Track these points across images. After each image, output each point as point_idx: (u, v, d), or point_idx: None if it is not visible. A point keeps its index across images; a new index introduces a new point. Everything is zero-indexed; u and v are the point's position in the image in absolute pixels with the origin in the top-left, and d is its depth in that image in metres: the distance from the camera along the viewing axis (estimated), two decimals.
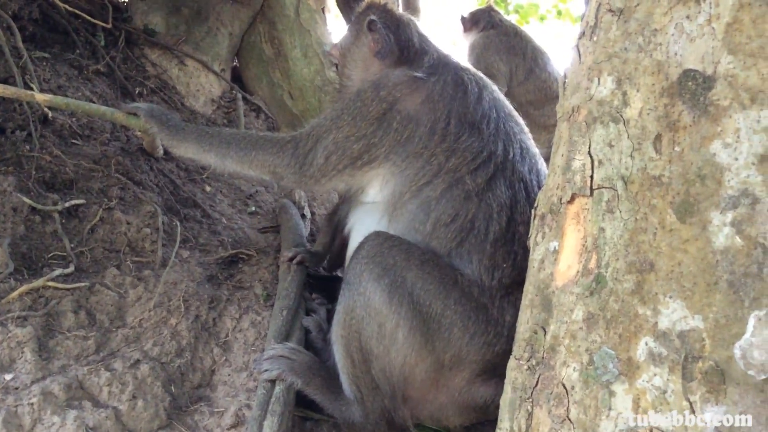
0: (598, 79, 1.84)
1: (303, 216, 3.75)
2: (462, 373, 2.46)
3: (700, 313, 1.59)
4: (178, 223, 3.28)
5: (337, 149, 2.70)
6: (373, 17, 2.92)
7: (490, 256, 2.48)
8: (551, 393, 1.81)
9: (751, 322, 1.56)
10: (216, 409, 2.63)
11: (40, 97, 2.93)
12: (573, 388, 1.76)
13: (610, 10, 1.83)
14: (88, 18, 3.88)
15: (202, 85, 4.37)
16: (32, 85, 3.22)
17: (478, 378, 2.47)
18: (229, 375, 2.77)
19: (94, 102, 3.57)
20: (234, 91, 4.51)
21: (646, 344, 1.64)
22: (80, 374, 2.53)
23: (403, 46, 2.91)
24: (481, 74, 2.93)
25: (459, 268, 2.48)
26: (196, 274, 3.07)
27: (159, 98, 4.04)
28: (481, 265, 2.47)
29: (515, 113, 2.89)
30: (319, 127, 2.78)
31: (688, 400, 1.58)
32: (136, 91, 3.94)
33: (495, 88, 2.91)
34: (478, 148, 2.60)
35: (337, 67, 3.19)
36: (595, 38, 1.89)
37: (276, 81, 4.56)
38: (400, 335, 2.37)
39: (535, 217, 2.07)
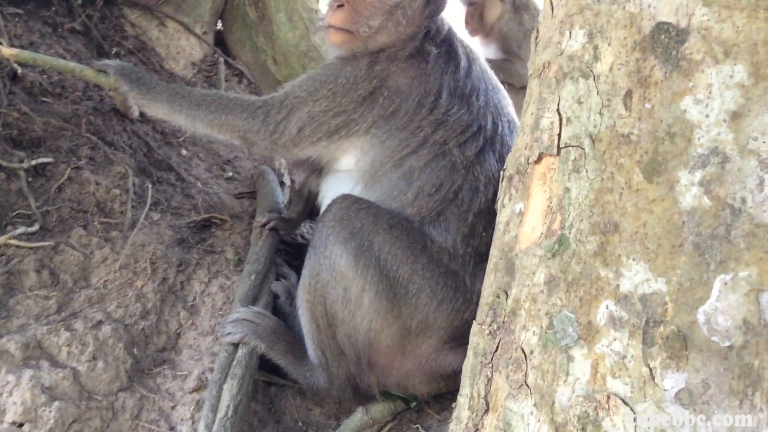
0: (570, 32, 1.76)
1: (282, 183, 3.67)
2: (429, 340, 2.40)
3: (664, 276, 1.52)
4: (150, 186, 3.19)
5: (312, 122, 2.60)
6: None
7: (471, 225, 2.42)
8: (510, 358, 1.75)
9: (717, 286, 1.49)
10: (179, 372, 2.58)
11: (7, 51, 2.84)
12: (532, 352, 1.69)
13: None
14: None
15: (182, 48, 4.25)
16: (1, 40, 3.12)
17: (445, 345, 2.41)
18: (194, 339, 2.71)
19: (67, 60, 3.47)
20: (216, 55, 4.41)
21: (607, 308, 1.58)
22: (39, 333, 2.47)
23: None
24: (470, 45, 2.83)
25: (430, 235, 2.41)
26: (165, 237, 3.00)
27: (137, 59, 3.94)
28: (459, 233, 2.41)
29: (501, 86, 2.81)
30: (294, 97, 2.66)
31: (648, 365, 1.51)
32: (113, 51, 3.83)
33: (483, 60, 2.82)
34: (468, 121, 2.53)
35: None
36: None
37: (259, 46, 4.45)
38: (366, 300, 2.31)
39: (502, 179, 1.99)
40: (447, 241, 2.39)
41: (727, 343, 1.48)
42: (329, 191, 2.69)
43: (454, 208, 2.42)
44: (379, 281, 2.30)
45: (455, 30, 2.83)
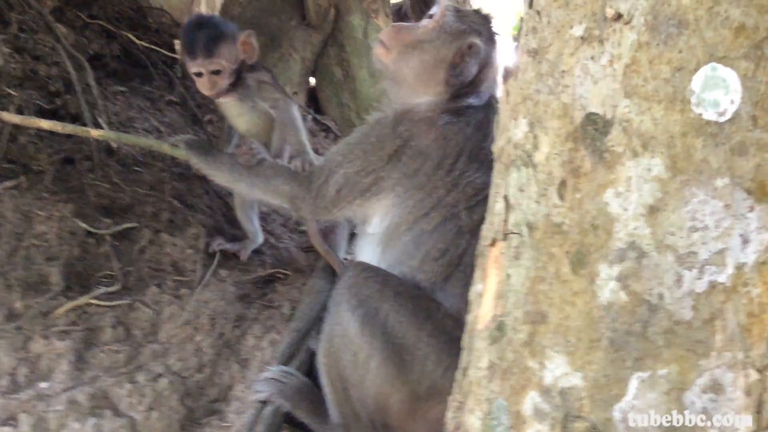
0: (516, 120, 1.80)
1: (353, 234, 3.85)
2: (440, 405, 2.43)
3: (581, 370, 1.53)
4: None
5: (347, 183, 2.77)
6: (477, 41, 2.74)
7: None
8: None
9: (633, 383, 1.48)
10: (224, 424, 2.82)
11: (94, 133, 3.27)
12: None
13: (528, 51, 1.78)
14: (165, 52, 4.25)
15: None
16: (100, 119, 3.60)
17: None
18: (242, 391, 2.95)
19: (161, 131, 3.92)
20: (305, 114, 4.73)
21: (532, 399, 1.60)
22: (106, 385, 2.81)
23: (472, 80, 2.77)
24: None
25: (441, 302, 2.49)
26: (228, 293, 3.29)
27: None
28: (462, 300, 2.45)
29: None
30: (332, 162, 2.86)
31: None
32: (206, 118, 4.26)
33: None
34: (481, 185, 2.57)
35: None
36: (517, 79, 1.84)
37: (344, 101, 4.74)
38: (373, 365, 2.42)
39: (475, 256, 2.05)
40: (453, 307, 2.46)
41: None
42: (359, 254, 2.84)
43: (459, 274, 2.48)
44: (385, 347, 2.41)
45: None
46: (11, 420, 2.66)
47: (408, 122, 2.73)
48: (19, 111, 3.48)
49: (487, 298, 1.84)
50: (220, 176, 3.21)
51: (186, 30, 3.26)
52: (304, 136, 3.37)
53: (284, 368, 2.78)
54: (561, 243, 1.62)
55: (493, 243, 1.84)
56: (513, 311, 1.69)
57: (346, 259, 3.68)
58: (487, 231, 1.90)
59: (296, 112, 3.45)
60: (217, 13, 4.86)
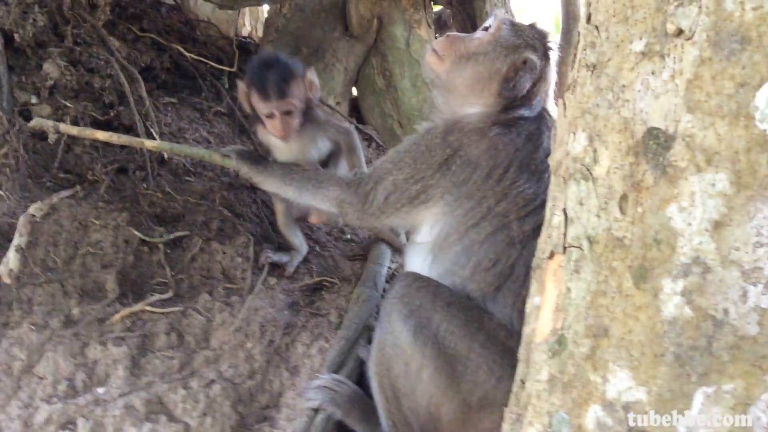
0: (574, 134, 1.82)
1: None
2: (492, 416, 2.46)
3: (645, 385, 1.54)
4: (271, 252, 3.59)
5: (396, 190, 2.80)
6: (532, 57, 2.76)
7: (525, 301, 2.47)
8: None
9: (698, 398, 1.48)
10: (275, 430, 2.86)
11: (149, 144, 3.36)
12: None
13: (586, 65, 1.80)
14: (213, 64, 4.34)
15: None
16: (152, 130, 3.69)
17: None
18: (292, 398, 2.99)
19: (210, 141, 4.01)
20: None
21: (595, 413, 1.61)
22: (161, 391, 2.88)
23: (524, 95, 2.79)
24: None
25: (492, 312, 2.50)
26: (277, 301, 3.35)
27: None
28: (515, 310, 2.47)
29: None
30: (381, 169, 2.89)
31: None
32: (252, 128, 4.33)
33: None
34: (532, 195, 2.59)
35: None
36: (575, 93, 1.86)
37: (387, 111, 4.77)
38: (425, 375, 2.45)
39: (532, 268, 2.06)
40: (505, 317, 2.47)
41: None
42: (407, 263, 2.86)
43: (511, 284, 2.49)
44: (437, 357, 2.43)
45: (551, 116, 2.84)
46: (70, 424, 2.74)
47: (458, 132, 2.75)
48: (75, 122, 3.61)
49: (546, 311, 1.85)
50: (270, 183, 3.26)
51: (255, 71, 3.25)
52: (363, 159, 3.43)
53: (335, 376, 2.82)
54: (623, 257, 1.63)
55: (551, 256, 1.85)
56: (574, 325, 1.70)
57: (389, 268, 3.72)
58: (544, 244, 1.92)
59: (358, 137, 3.50)
60: (261, 25, 4.94)
